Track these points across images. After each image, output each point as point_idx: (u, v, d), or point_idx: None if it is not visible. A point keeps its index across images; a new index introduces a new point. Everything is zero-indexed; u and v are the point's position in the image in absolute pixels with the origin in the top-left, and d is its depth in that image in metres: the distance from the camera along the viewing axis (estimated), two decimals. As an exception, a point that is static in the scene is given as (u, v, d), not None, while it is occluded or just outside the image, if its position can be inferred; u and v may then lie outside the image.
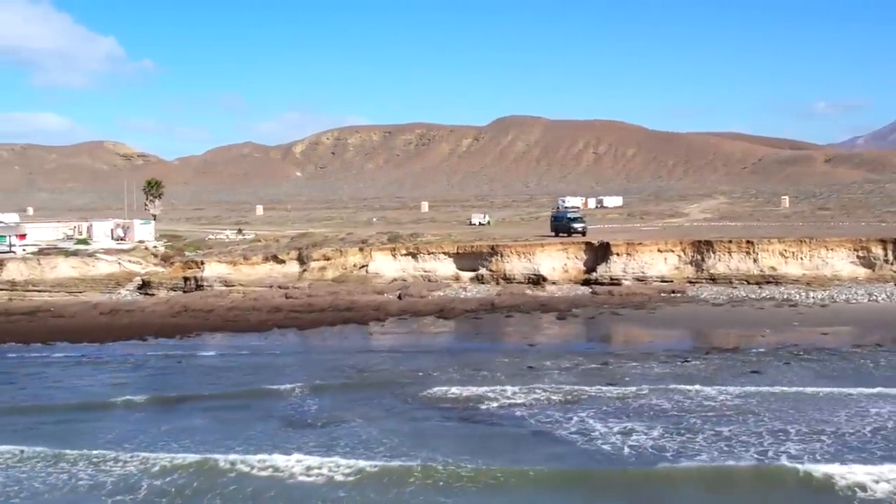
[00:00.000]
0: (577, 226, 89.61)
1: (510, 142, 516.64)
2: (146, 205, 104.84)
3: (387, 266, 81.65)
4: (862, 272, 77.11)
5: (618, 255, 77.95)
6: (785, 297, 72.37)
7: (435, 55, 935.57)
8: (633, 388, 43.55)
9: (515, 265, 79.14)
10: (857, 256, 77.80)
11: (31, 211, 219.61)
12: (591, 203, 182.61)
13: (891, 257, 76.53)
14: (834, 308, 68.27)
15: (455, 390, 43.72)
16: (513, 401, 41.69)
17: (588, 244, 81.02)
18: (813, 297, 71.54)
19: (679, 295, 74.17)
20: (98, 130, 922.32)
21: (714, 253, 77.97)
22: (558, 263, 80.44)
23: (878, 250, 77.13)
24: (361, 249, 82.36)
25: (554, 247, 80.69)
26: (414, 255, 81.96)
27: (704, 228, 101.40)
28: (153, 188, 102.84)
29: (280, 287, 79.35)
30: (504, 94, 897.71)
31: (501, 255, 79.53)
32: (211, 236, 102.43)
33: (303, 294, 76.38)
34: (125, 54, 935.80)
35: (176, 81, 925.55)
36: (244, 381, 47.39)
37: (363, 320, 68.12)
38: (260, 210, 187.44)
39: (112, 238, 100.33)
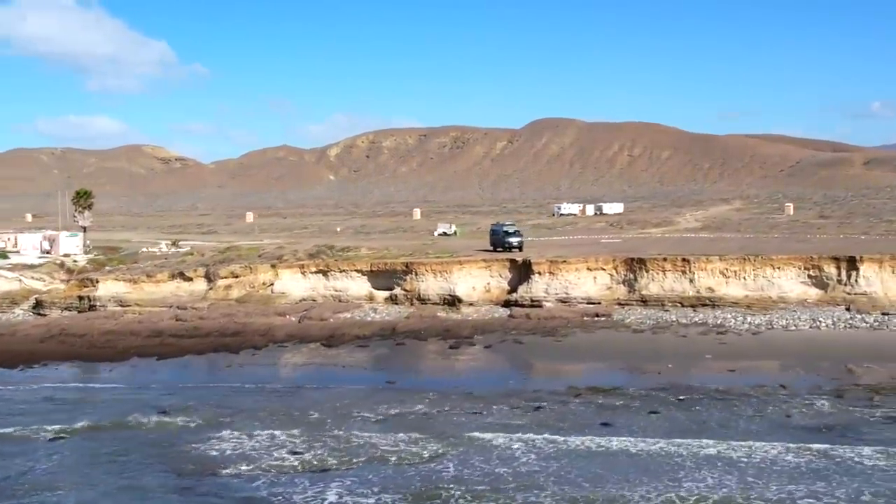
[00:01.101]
0: (513, 240, 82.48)
1: (544, 144, 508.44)
2: (75, 216, 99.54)
3: (295, 285, 75.39)
4: (813, 293, 69.25)
5: (539, 273, 70.87)
6: (717, 322, 65.00)
7: (472, 57, 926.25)
8: (433, 446, 36.76)
9: (431, 285, 72.38)
10: (809, 276, 69.96)
11: (29, 217, 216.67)
12: (590, 210, 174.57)
13: (844, 277, 68.52)
14: (765, 337, 60.84)
15: (223, 447, 37.13)
16: (276, 463, 35.01)
17: (513, 262, 73.80)
18: (748, 323, 64.12)
19: (603, 319, 66.98)
20: (149, 134, 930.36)
21: (647, 272, 70.57)
22: (480, 283, 73.49)
23: (830, 269, 69.23)
24: (274, 266, 75.89)
25: (475, 265, 73.77)
26: (325, 273, 75.59)
27: (670, 241, 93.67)
28: (82, 199, 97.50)
29: (180, 307, 73.37)
30: (539, 96, 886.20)
31: (416, 274, 72.89)
32: (144, 249, 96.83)
33: (195, 316, 70.42)
34: (176, 59, 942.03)
35: (225, 85, 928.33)
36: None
37: (240, 347, 62.09)
38: (250, 217, 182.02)
39: (41, 251, 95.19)
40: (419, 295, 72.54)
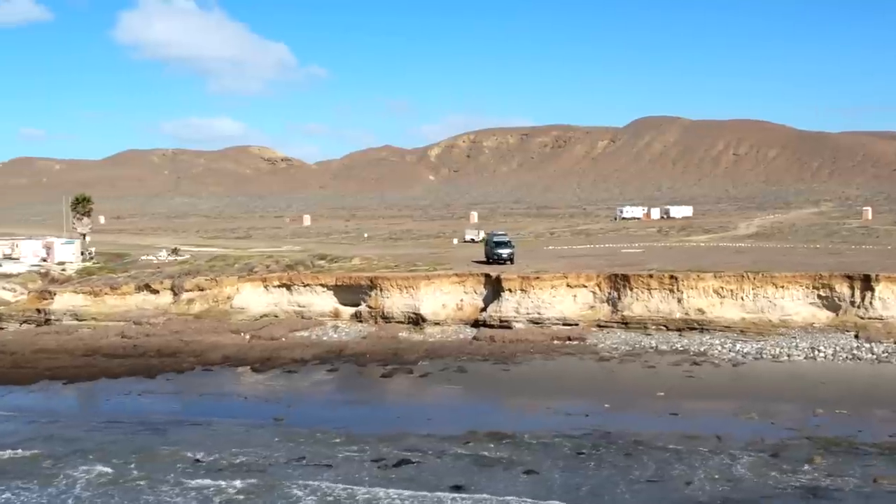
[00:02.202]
0: (502, 252, 75.34)
1: (647, 143, 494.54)
2: (73, 223, 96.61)
3: (257, 300, 70.15)
4: (823, 317, 60.53)
5: (510, 291, 63.86)
6: (701, 349, 57.23)
7: (575, 54, 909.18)
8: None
9: (396, 302, 66.15)
10: (819, 297, 61.19)
11: (102, 220, 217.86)
12: (655, 213, 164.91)
13: (858, 298, 59.50)
14: (745, 369, 52.94)
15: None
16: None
17: (488, 277, 66.89)
18: (735, 352, 56.22)
19: (574, 343, 59.76)
20: (268, 134, 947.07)
21: (631, 290, 62.89)
22: (452, 300, 66.91)
23: (843, 289, 60.32)
24: (241, 279, 70.85)
25: (446, 280, 67.18)
26: (288, 288, 70.04)
27: (702, 251, 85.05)
28: (80, 205, 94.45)
29: (136, 323, 69.12)
30: (642, 94, 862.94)
31: (380, 290, 66.70)
32: (144, 257, 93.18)
33: (143, 333, 66.07)
34: (295, 60, 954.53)
35: (343, 86, 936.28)
36: None
37: (161, 371, 57.31)
38: (308, 220, 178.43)
39: (39, 258, 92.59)
40: (383, 312, 66.40)
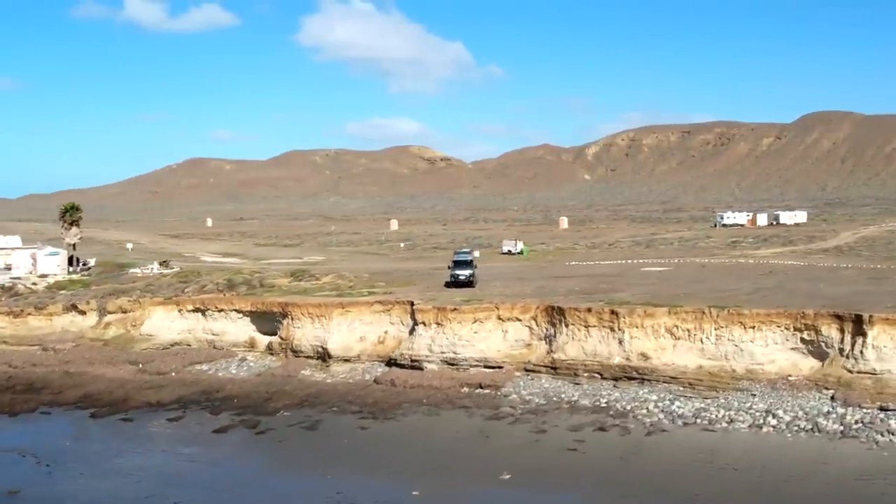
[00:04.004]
0: (460, 273, 64.16)
1: (814, 140, 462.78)
2: (62, 233, 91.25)
3: (168, 326, 62.13)
4: (807, 366, 47.18)
5: (424, 325, 53.10)
6: (628, 407, 45.69)
7: (740, 47, 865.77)
8: None
9: (307, 333, 56.74)
10: (802, 340, 47.55)
11: (210, 223, 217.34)
12: (762, 219, 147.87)
13: (848, 345, 45.72)
14: (655, 441, 41.38)
15: None
16: None
17: (413, 306, 56.28)
18: (668, 412, 44.79)
19: (486, 392, 49.08)
20: (448, 135, 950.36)
21: (566, 327, 51.04)
22: (373, 331, 56.83)
23: (831, 332, 46.73)
24: (154, 302, 62.98)
25: (366, 308, 57.20)
26: (203, 313, 61.42)
27: (731, 271, 71.53)
28: (68, 214, 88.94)
29: (44, 348, 62.58)
30: (812, 88, 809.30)
31: (292, 319, 57.16)
32: (132, 270, 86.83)
33: (30, 362, 60.00)
34: (472, 60, 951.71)
35: (521, 85, 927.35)
36: None
37: (1, 410, 49.69)
38: (395, 224, 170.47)
39: (26, 269, 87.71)
40: (292, 345, 56.79)
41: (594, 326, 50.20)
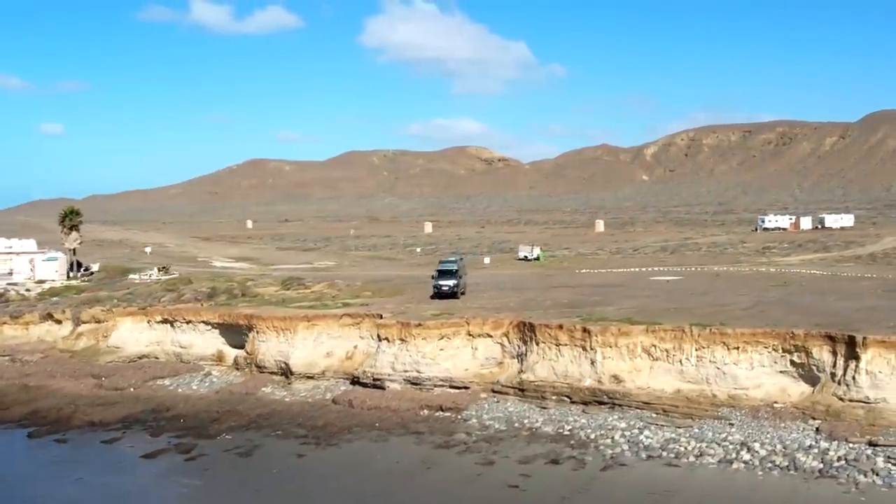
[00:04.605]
0: (443, 283, 60.41)
1: (879, 140, 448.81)
2: (62, 238, 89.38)
3: (136, 337, 59.59)
4: (797, 392, 42.77)
5: (388, 341, 49.49)
6: (592, 436, 41.73)
7: (805, 44, 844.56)
8: None
9: (271, 347, 53.54)
10: (792, 363, 43.01)
11: (250, 224, 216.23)
12: (806, 223, 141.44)
13: (840, 370, 41.17)
14: (610, 477, 37.64)
15: None
16: None
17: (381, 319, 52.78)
18: (634, 443, 40.90)
19: (447, 415, 45.63)
20: (510, 135, 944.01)
21: (537, 345, 47.02)
22: (341, 346, 53.54)
23: (823, 354, 42.14)
24: (122, 312, 60.39)
25: (336, 322, 53.77)
26: (171, 324, 58.59)
27: (743, 281, 66.90)
28: (68, 218, 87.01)
29: (13, 359, 60.34)
30: (878, 86, 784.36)
31: (257, 332, 54.00)
32: (132, 275, 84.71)
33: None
34: (535, 60, 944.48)
35: (583, 85, 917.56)
36: None
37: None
38: (429, 227, 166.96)
39: (25, 275, 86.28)
40: (257, 360, 53.66)
41: (565, 345, 46.17)
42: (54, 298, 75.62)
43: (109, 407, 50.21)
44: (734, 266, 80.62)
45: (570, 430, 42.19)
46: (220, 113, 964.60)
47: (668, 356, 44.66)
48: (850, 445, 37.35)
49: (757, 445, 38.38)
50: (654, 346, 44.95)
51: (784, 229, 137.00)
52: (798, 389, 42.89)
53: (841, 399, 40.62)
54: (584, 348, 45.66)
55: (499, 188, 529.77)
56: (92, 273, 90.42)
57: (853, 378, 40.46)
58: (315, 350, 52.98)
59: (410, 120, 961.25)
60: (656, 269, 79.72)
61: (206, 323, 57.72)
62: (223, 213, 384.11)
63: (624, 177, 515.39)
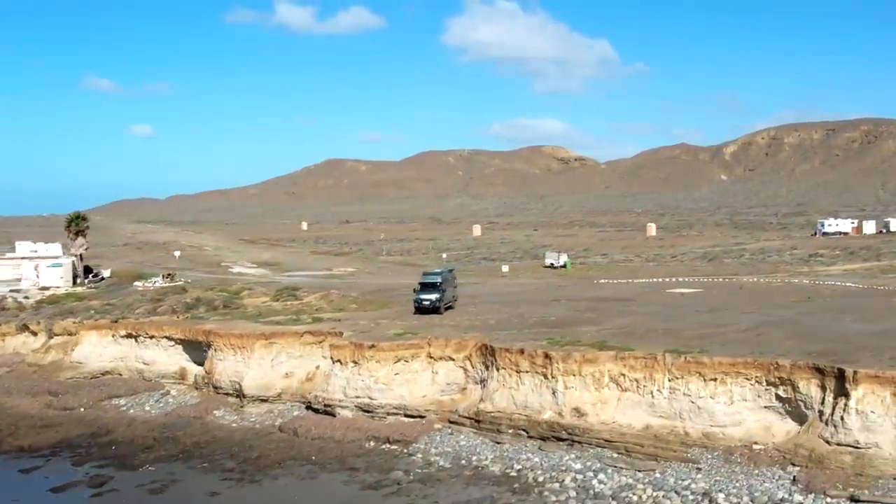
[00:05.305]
0: (424, 298, 55.92)
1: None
2: (68, 243, 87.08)
3: (100, 352, 56.62)
4: (782, 430, 37.59)
5: (340, 363, 45.27)
6: (539, 479, 37.57)
7: (892, 41, 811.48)
8: None
9: (227, 367, 49.77)
10: (777, 397, 37.66)
11: (304, 226, 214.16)
12: (869, 227, 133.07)
13: (829, 408, 35.79)
14: None
15: None
16: None
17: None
18: (583, 489, 36.06)
19: (394, 448, 41.61)
20: (592, 135, 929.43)
21: (497, 370, 42.31)
22: (303, 366, 49.51)
23: (811, 389, 36.77)
24: (88, 326, 57.43)
25: (296, 340, 49.75)
26: (136, 339, 55.38)
27: (766, 293, 61.11)
28: (74, 224, 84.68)
29: (-19, 372, 57.70)
30: None
31: (215, 350, 50.37)
32: (137, 283, 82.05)
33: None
34: (618, 58, 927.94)
35: (667, 83, 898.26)
36: None
37: None
38: (478, 230, 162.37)
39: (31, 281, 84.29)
40: (213, 380, 50.01)
41: (526, 372, 41.37)
42: (50, 306, 73.13)
43: (47, 430, 47.10)
44: (768, 276, 74.45)
45: (518, 471, 37.48)
46: (303, 114, 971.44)
47: (638, 387, 39.58)
48: (828, 500, 31.91)
49: (721, 497, 33.23)
50: (623, 374, 39.89)
51: (845, 234, 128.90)
52: (784, 428, 37.48)
53: (827, 442, 35.12)
54: (545, 376, 40.78)
55: (573, 188, 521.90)
56: (102, 279, 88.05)
57: (841, 418, 34.91)
58: (273, 370, 49.07)
59: (492, 120, 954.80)
60: (682, 279, 74.03)
61: (169, 338, 54.33)
62: (293, 214, 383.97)
63: (702, 176, 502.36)
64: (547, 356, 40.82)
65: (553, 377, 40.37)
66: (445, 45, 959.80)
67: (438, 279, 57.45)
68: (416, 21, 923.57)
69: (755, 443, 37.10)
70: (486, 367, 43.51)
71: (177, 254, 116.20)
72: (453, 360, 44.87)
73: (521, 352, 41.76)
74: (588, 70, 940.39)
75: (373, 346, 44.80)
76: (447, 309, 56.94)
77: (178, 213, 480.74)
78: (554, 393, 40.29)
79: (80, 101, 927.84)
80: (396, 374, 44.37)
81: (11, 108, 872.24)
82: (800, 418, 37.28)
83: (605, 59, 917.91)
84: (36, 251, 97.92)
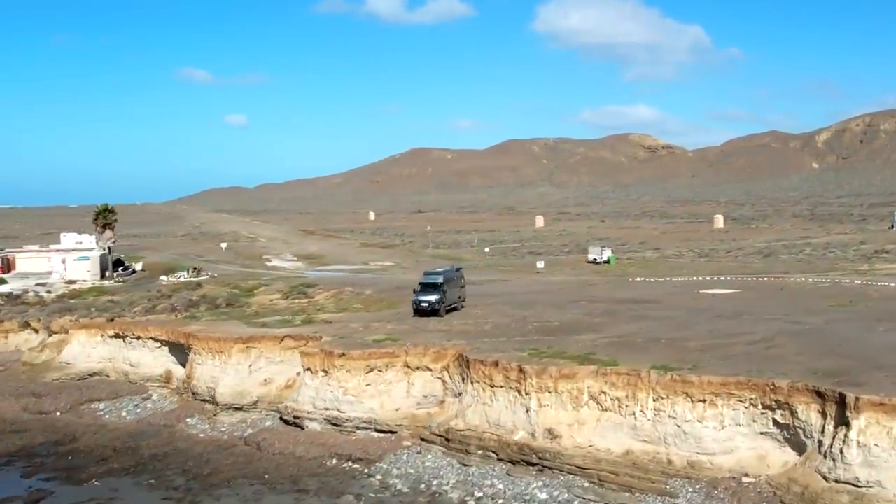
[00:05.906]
0: (423, 300, 52.31)
1: None
2: (96, 236, 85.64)
3: (88, 352, 54.65)
4: (779, 461, 33.20)
5: (311, 372, 42.09)
6: (494, 510, 32.72)
7: None
8: None
9: (205, 372, 47.08)
10: (775, 422, 33.20)
11: (372, 216, 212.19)
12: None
13: (829, 438, 31.24)
14: None
15: None
16: None
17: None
18: None
19: (353, 467, 38.49)
20: (684, 122, 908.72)
21: (472, 384, 38.62)
22: (283, 373, 46.59)
23: (810, 415, 32.24)
24: (77, 325, 55.48)
25: (277, 344, 46.71)
26: (123, 339, 53.14)
27: (814, 295, 56.01)
28: (101, 216, 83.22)
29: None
30: None
31: (195, 354, 47.79)
32: (162, 277, 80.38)
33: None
34: (711, 44, 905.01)
35: (762, 68, 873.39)
36: None
37: None
38: (541, 222, 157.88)
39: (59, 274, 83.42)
40: (192, 385, 47.41)
41: (500, 387, 37.55)
42: (71, 301, 71.65)
43: (14, 435, 45.24)
44: (820, 276, 68.83)
45: (477, 500, 33.72)
46: (392, 103, 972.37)
47: (619, 407, 35.40)
48: (814, 550, 27.45)
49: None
50: (604, 392, 35.71)
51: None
52: (782, 458, 32.98)
53: (825, 478, 30.56)
54: (518, 392, 36.88)
55: (659, 176, 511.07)
56: (133, 272, 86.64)
57: (840, 451, 30.29)
58: (251, 377, 46.15)
59: (582, 107, 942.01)
60: (725, 278, 69.04)
61: (155, 340, 51.82)
62: (372, 203, 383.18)
63: (791, 165, 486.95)
64: (521, 370, 36.85)
65: (527, 394, 36.41)
66: (535, 33, 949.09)
67: (440, 279, 53.82)
68: (506, 9, 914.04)
69: (746, 475, 32.71)
70: (463, 380, 39.74)
71: (223, 245, 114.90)
72: (431, 370, 41.27)
73: (496, 364, 37.92)
74: (680, 56, 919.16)
75: (343, 354, 41.45)
76: (452, 311, 53.32)
77: (263, 202, 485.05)
78: (527, 411, 36.34)
79: (176, 92, 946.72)
80: (368, 384, 40.95)
81: (110, 100, 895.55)
82: (799, 448, 32.78)
83: (697, 45, 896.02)
84: (81, 242, 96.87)
